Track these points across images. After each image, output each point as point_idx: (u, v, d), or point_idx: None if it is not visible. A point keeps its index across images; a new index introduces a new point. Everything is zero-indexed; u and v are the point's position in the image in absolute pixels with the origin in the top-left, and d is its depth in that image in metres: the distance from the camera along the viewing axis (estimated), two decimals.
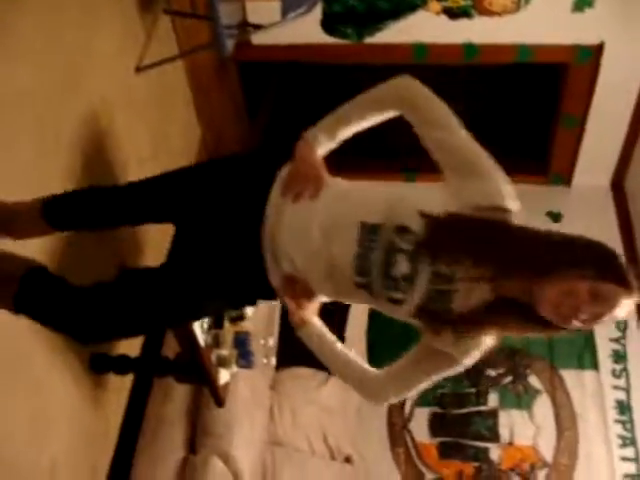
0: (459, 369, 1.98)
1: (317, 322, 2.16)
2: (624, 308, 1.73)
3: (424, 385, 2.07)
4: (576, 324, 1.74)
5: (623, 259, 1.77)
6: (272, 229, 2.02)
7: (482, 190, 1.84)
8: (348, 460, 4.12)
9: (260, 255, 2.04)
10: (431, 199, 1.88)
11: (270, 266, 2.05)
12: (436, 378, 2.03)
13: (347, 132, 2.02)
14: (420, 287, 1.85)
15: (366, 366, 2.18)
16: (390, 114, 1.99)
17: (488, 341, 1.91)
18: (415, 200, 1.89)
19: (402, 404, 4.45)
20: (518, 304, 1.81)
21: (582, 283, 1.71)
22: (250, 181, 2.12)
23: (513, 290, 1.81)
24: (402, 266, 1.85)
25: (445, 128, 1.91)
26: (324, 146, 2.03)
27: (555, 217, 5.10)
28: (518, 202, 1.86)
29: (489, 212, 1.82)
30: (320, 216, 1.97)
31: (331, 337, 2.16)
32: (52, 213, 2.29)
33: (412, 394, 2.15)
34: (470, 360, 1.94)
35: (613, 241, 5.03)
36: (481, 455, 4.31)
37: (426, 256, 1.83)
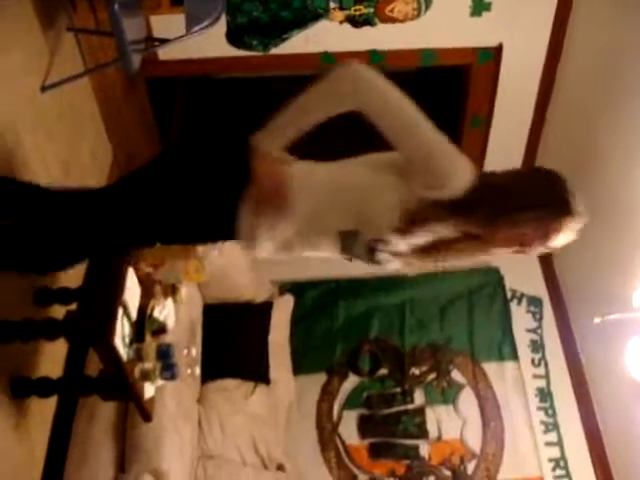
0: None
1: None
2: (571, 232, 1.95)
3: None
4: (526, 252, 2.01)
5: (567, 184, 1.95)
6: (248, 245, 2.16)
7: (441, 195, 1.95)
8: (281, 468, 4.12)
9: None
10: (393, 202, 1.97)
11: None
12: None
13: (300, 132, 2.04)
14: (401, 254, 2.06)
15: None
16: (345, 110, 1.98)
17: None
18: (381, 209, 1.99)
19: (330, 408, 4.49)
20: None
21: (531, 226, 1.93)
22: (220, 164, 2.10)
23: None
24: (383, 256, 2.05)
25: (406, 129, 1.93)
26: (278, 148, 2.08)
27: None
28: (470, 171, 1.97)
29: None
30: (298, 230, 2.09)
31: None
32: None
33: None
34: None
35: None
36: (411, 453, 4.38)
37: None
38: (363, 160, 2.12)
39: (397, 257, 2.06)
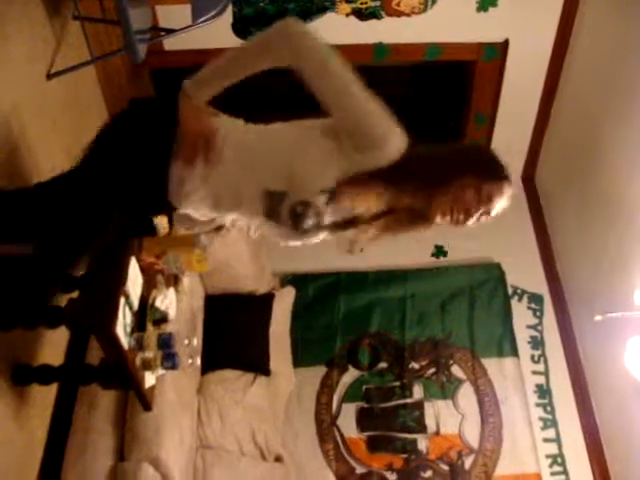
0: None
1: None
2: (506, 198, 1.99)
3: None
4: (468, 224, 2.00)
5: (496, 153, 2.02)
6: (177, 197, 2.17)
7: (375, 159, 1.95)
8: (279, 459, 4.13)
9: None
10: (326, 165, 1.98)
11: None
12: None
13: (231, 82, 2.02)
14: (325, 225, 2.08)
15: None
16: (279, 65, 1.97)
17: None
18: (313, 172, 1.98)
19: (329, 401, 4.50)
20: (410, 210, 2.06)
21: (466, 190, 1.94)
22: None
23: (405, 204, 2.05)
24: (309, 221, 2.02)
25: (340, 90, 1.91)
26: (207, 97, 2.07)
27: None
28: (403, 136, 1.98)
29: None
30: (223, 183, 2.09)
31: None
32: None
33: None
34: None
35: (526, 228, 5.23)
36: (409, 446, 4.38)
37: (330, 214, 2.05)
38: (296, 124, 2.10)
39: (322, 227, 2.06)
